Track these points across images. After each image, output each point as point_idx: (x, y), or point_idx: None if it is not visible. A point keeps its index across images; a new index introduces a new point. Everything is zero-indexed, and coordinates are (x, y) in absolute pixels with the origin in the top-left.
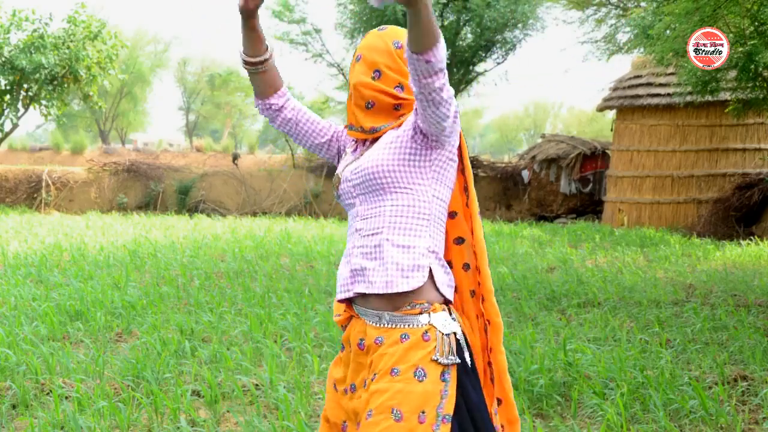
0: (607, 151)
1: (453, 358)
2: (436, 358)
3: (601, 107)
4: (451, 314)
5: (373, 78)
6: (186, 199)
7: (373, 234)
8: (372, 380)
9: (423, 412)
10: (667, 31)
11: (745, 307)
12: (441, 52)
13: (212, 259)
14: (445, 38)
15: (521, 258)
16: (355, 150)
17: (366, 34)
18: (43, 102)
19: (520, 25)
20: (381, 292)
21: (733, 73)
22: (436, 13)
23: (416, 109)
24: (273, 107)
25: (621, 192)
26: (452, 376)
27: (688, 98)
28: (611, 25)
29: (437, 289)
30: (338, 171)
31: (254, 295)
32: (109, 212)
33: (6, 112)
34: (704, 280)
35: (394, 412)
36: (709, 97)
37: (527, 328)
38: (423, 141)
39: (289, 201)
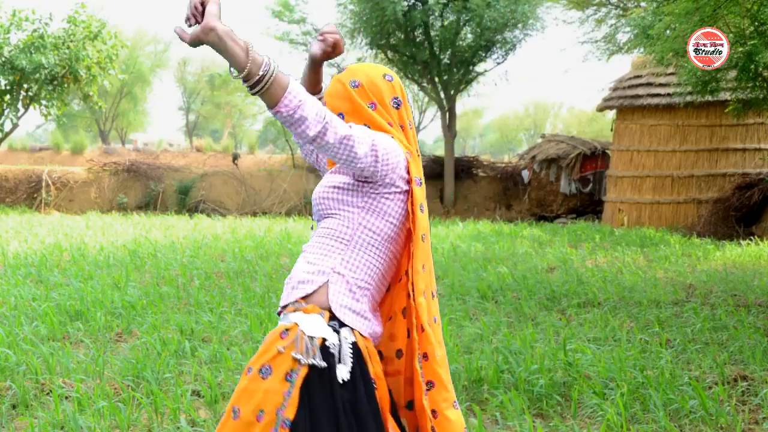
0: (607, 151)
1: (303, 357)
2: (279, 349)
3: (601, 107)
4: (332, 324)
5: None
6: (186, 199)
7: (302, 252)
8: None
9: (261, 412)
10: (667, 31)
11: (745, 307)
12: (291, 102)
13: (212, 259)
14: (445, 38)
15: (521, 258)
16: None
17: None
18: (43, 102)
19: (520, 25)
20: (282, 303)
21: (733, 73)
22: (436, 14)
23: None
24: None
25: (621, 192)
26: (299, 377)
27: (688, 98)
28: (611, 25)
29: (328, 303)
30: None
31: (254, 295)
32: (109, 212)
33: (6, 112)
34: (704, 280)
35: (234, 410)
36: (709, 97)
37: (527, 328)
38: (359, 176)
39: (289, 201)
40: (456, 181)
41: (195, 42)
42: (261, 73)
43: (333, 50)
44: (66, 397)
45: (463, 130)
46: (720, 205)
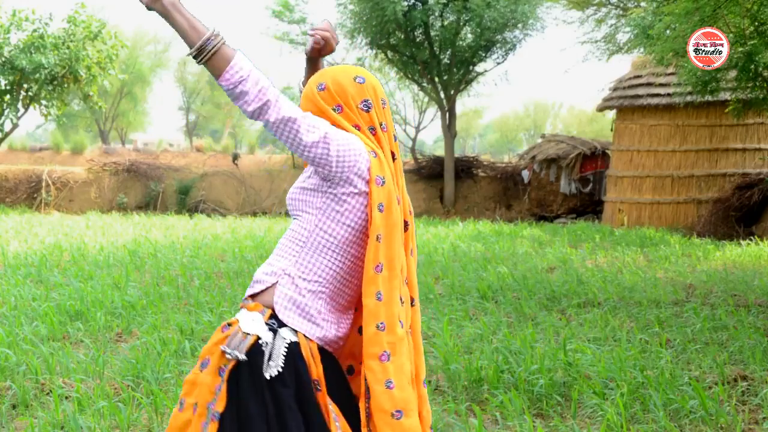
0: (607, 151)
1: (233, 353)
2: (223, 348)
3: (601, 107)
4: (270, 323)
5: None
6: (186, 199)
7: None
8: None
9: (196, 404)
10: (667, 31)
11: (745, 307)
12: (233, 76)
13: (212, 259)
14: (445, 38)
15: (521, 258)
16: None
17: None
18: (43, 102)
19: (520, 25)
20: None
21: (733, 73)
22: (436, 14)
23: None
24: None
25: (621, 192)
26: (227, 371)
27: (688, 98)
28: (611, 25)
29: (272, 302)
30: None
31: None
32: (109, 212)
33: (6, 112)
34: (704, 280)
35: (181, 402)
36: (709, 97)
37: (527, 328)
38: (316, 171)
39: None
40: (456, 181)
41: (147, 6)
42: (200, 43)
43: (324, 47)
44: (66, 397)
45: (463, 130)
46: (720, 205)
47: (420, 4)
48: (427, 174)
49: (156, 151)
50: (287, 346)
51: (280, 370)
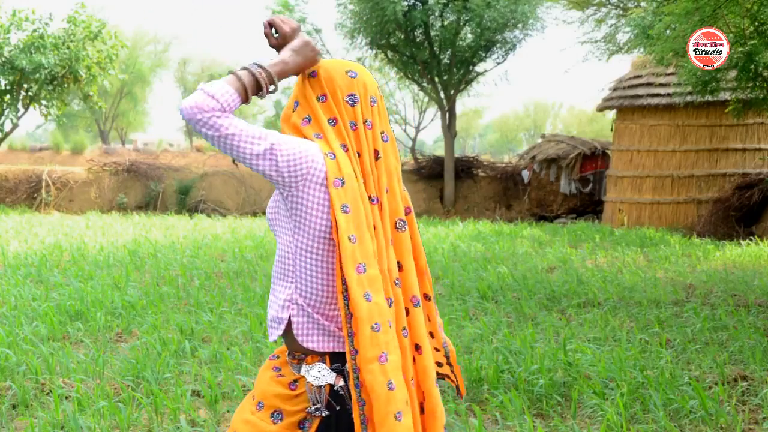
0: (607, 151)
1: (318, 410)
2: (309, 410)
3: (601, 107)
4: (330, 364)
5: (294, 109)
6: (186, 199)
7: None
8: (254, 404)
9: None
10: (667, 31)
11: (745, 307)
12: (188, 102)
13: (212, 259)
14: (445, 38)
15: (521, 258)
16: None
17: None
18: (43, 102)
19: (520, 25)
20: (271, 336)
21: (733, 73)
22: (436, 14)
23: None
24: None
25: (621, 192)
26: (312, 425)
27: (688, 98)
28: (611, 25)
29: (298, 342)
30: None
31: (254, 295)
32: (109, 212)
33: (6, 112)
34: (704, 280)
35: None
36: (709, 97)
37: (527, 328)
38: (277, 189)
39: None
40: (456, 181)
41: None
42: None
43: (272, 36)
44: (66, 397)
45: (463, 130)
46: (720, 205)
47: (420, 4)
48: (427, 174)
49: (156, 151)
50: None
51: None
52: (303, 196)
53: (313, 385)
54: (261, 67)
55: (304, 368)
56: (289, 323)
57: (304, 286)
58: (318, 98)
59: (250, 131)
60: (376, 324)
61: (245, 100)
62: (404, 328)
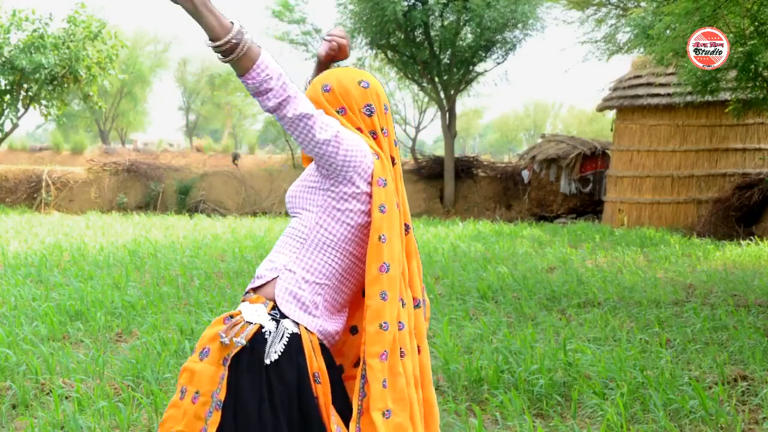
0: (607, 151)
1: (237, 340)
2: (221, 336)
3: (601, 107)
4: (273, 313)
5: None
6: (186, 199)
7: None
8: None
9: (197, 393)
10: (667, 31)
11: (745, 307)
12: (259, 75)
13: (212, 259)
14: (445, 38)
15: (521, 258)
16: None
17: None
18: (43, 102)
19: (520, 25)
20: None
21: (733, 73)
22: (436, 14)
23: None
24: None
25: (621, 192)
26: (230, 360)
27: (688, 98)
28: (611, 25)
29: (274, 295)
30: None
31: None
32: (109, 212)
33: (6, 112)
34: (704, 280)
35: (182, 390)
36: (709, 97)
37: (527, 328)
38: (319, 170)
39: None
40: (456, 181)
41: (174, 1)
42: (230, 42)
43: (338, 53)
44: (66, 397)
45: (463, 130)
46: (720, 205)
47: (420, 4)
48: (427, 174)
49: (156, 151)
50: (289, 336)
51: (279, 355)
52: (347, 184)
53: (244, 319)
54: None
55: (243, 304)
56: (272, 283)
57: (307, 259)
58: (338, 111)
59: (322, 117)
60: (384, 323)
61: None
62: (413, 329)
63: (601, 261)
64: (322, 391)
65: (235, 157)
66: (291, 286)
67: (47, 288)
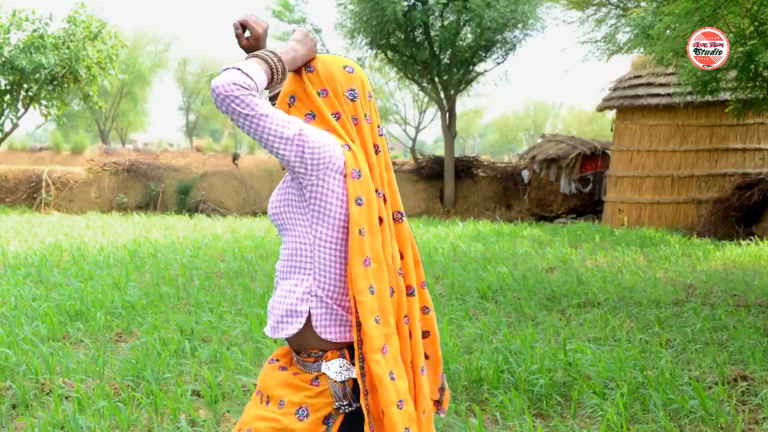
0: (607, 151)
1: (344, 404)
2: (336, 406)
3: (601, 107)
4: (350, 359)
5: (290, 105)
6: (186, 199)
7: (276, 273)
8: (263, 403)
9: None
10: (667, 31)
11: (745, 307)
12: (224, 80)
13: (212, 259)
14: (445, 38)
15: (521, 258)
16: None
17: None
18: (43, 102)
19: (520, 25)
20: (270, 336)
21: (733, 73)
22: (437, 14)
23: None
24: None
25: (621, 192)
26: (337, 421)
27: (688, 98)
28: (611, 25)
29: (318, 335)
30: None
31: (254, 295)
32: (109, 212)
33: (6, 112)
34: (704, 280)
35: None
36: (709, 97)
37: (527, 328)
38: (293, 177)
39: None
40: (456, 181)
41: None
42: (277, 77)
43: (251, 35)
44: (66, 397)
45: (463, 130)
46: (720, 205)
47: (420, 4)
48: (427, 174)
49: (156, 151)
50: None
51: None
52: (323, 185)
53: (336, 381)
54: (275, 54)
55: (324, 365)
56: (319, 327)
57: (324, 278)
58: (319, 93)
59: (281, 115)
60: (377, 317)
61: (269, 85)
62: (405, 316)
63: (601, 261)
64: (372, 404)
65: (235, 157)
66: (323, 314)
67: (47, 288)
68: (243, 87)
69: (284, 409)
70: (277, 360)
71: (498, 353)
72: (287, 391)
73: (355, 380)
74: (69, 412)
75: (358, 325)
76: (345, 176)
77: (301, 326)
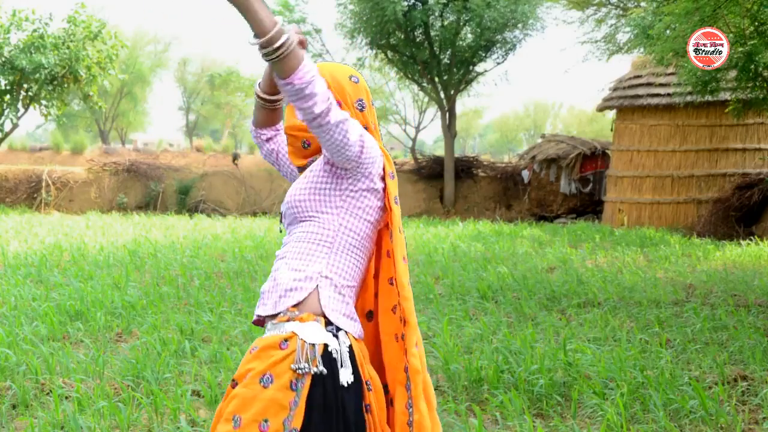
0: (607, 151)
1: (306, 367)
2: (294, 367)
3: (601, 107)
4: (330, 329)
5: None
6: (186, 199)
7: (280, 259)
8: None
9: (266, 421)
10: (667, 31)
11: (745, 307)
12: (305, 75)
13: (212, 259)
14: (445, 38)
15: (521, 258)
16: None
17: None
18: (43, 102)
19: (520, 25)
20: (270, 313)
21: (733, 73)
22: (436, 14)
23: None
24: (262, 136)
25: (621, 192)
26: (305, 386)
27: (688, 98)
28: (611, 25)
29: (321, 308)
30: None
31: (254, 295)
32: (109, 212)
33: (6, 112)
34: (704, 280)
35: (235, 419)
36: (709, 97)
37: (527, 328)
38: (332, 170)
39: None
40: (456, 181)
41: None
42: (282, 40)
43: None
44: (66, 397)
45: (463, 130)
46: (720, 205)
47: (420, 4)
48: (427, 174)
49: (156, 151)
50: (347, 349)
51: (353, 375)
52: (365, 182)
53: (305, 341)
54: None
55: (296, 325)
56: (312, 295)
57: (338, 262)
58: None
59: (350, 117)
60: (414, 313)
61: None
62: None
63: (601, 261)
64: (375, 398)
65: (235, 157)
66: (333, 294)
67: (47, 288)
68: (329, 96)
69: (248, 380)
70: (256, 348)
71: (498, 353)
72: (254, 363)
73: (326, 347)
74: (69, 412)
75: (402, 319)
76: (383, 178)
77: (307, 294)
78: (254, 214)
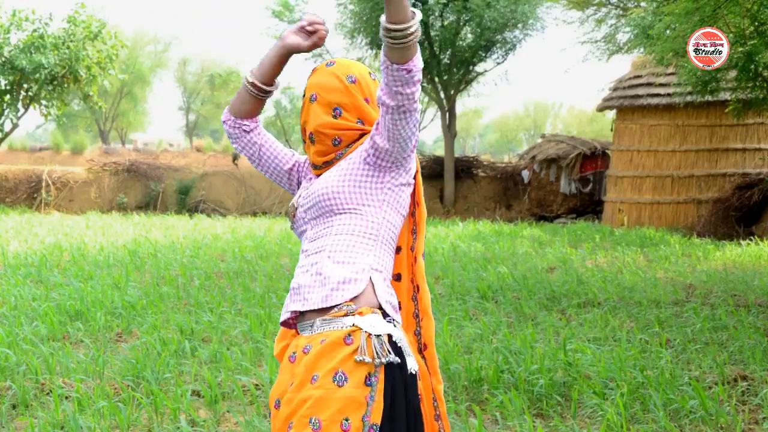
0: (607, 151)
1: (381, 358)
2: (360, 359)
3: (601, 107)
4: (387, 319)
5: (335, 116)
6: (186, 199)
7: (316, 253)
8: (290, 390)
9: (347, 420)
10: (667, 31)
11: (745, 307)
12: (419, 63)
13: (212, 259)
14: (445, 38)
15: (521, 258)
16: (310, 180)
17: (314, 70)
18: (43, 102)
19: (520, 25)
20: (317, 307)
21: (733, 73)
22: (436, 14)
23: (379, 129)
24: (243, 127)
25: (621, 192)
26: (380, 379)
27: (688, 98)
28: (611, 25)
29: (377, 299)
30: (293, 201)
31: (254, 295)
32: (109, 212)
33: (6, 112)
34: (704, 280)
35: (312, 421)
36: (709, 97)
37: (527, 328)
38: (376, 163)
39: (289, 201)
40: (456, 181)
41: None
42: (416, 26)
43: (318, 42)
44: (66, 397)
45: (463, 130)
46: (720, 205)
47: (420, 4)
48: (427, 174)
49: (156, 151)
50: (403, 339)
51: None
52: (405, 177)
53: (369, 333)
54: None
55: (357, 319)
56: (368, 288)
57: (382, 256)
58: (365, 100)
59: None
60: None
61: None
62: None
63: (601, 261)
64: (423, 386)
65: (235, 157)
66: (384, 286)
67: (47, 288)
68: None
69: (319, 382)
70: (293, 354)
71: (498, 353)
72: (320, 362)
73: (390, 336)
74: (69, 412)
75: (417, 315)
76: (416, 174)
77: (364, 286)
78: (254, 214)
